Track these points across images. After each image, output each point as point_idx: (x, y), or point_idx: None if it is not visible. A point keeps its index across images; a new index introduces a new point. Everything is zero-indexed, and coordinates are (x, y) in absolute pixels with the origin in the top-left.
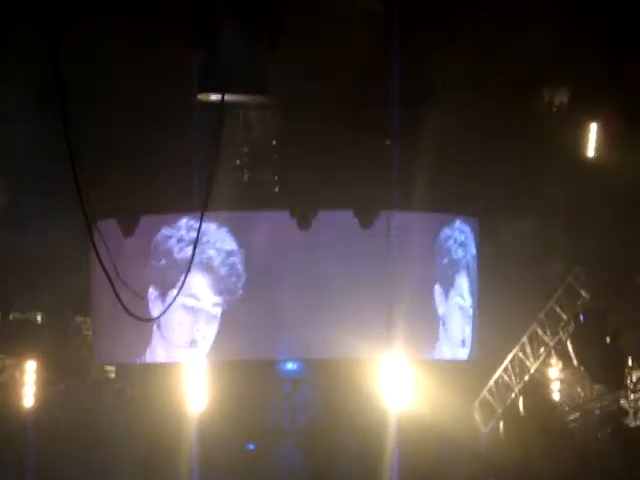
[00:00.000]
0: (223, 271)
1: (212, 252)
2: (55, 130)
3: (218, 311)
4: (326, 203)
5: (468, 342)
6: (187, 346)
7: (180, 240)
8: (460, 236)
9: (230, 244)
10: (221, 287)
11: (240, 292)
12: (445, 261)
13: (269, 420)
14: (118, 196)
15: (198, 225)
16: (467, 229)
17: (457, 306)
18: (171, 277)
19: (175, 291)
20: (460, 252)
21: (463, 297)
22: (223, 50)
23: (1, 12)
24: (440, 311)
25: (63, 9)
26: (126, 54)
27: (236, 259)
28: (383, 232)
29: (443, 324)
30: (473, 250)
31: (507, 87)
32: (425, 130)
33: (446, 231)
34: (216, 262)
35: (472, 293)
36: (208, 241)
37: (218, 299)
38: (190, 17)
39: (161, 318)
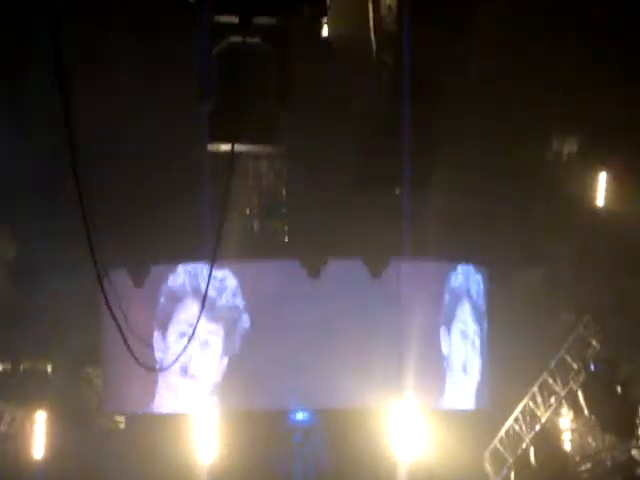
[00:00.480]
0: (224, 311)
1: (214, 293)
2: (66, 180)
3: (212, 339)
4: (336, 252)
5: (471, 371)
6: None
7: (186, 287)
8: (467, 281)
9: (236, 292)
10: (221, 323)
11: (244, 338)
12: (450, 303)
13: (279, 470)
14: (129, 246)
15: (207, 273)
16: (476, 276)
17: (459, 335)
18: (175, 319)
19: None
20: (473, 300)
21: (466, 325)
22: (233, 100)
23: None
24: (445, 351)
25: (77, 61)
26: (138, 104)
27: (239, 302)
28: (393, 280)
29: (450, 367)
30: (483, 298)
31: (517, 137)
32: (435, 179)
33: (454, 277)
34: (218, 302)
35: (478, 332)
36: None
37: (212, 327)
38: (201, 69)
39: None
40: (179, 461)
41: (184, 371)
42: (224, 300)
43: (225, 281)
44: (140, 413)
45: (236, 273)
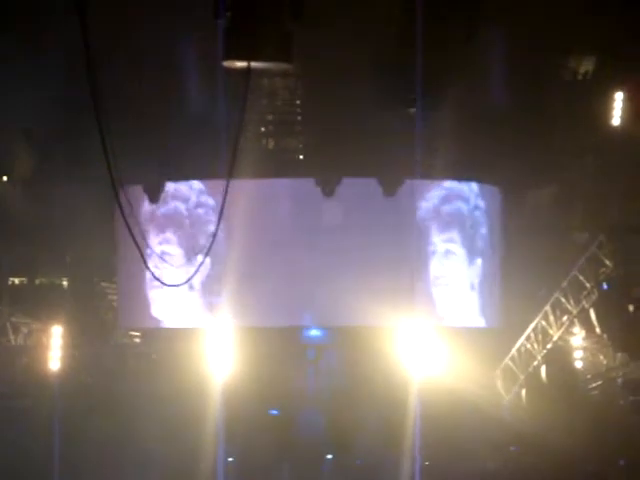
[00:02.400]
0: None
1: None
2: (83, 98)
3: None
4: (350, 170)
5: (484, 290)
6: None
7: (202, 205)
8: (482, 201)
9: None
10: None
11: (259, 255)
12: (463, 223)
13: (292, 385)
14: (144, 163)
15: (223, 191)
16: (490, 195)
17: (472, 254)
18: (195, 240)
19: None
20: (486, 220)
21: (479, 245)
22: (248, 17)
23: None
24: (458, 270)
25: None
26: (155, 19)
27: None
28: (406, 200)
29: (463, 286)
30: (498, 218)
31: (533, 56)
32: (450, 98)
33: (468, 197)
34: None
35: (492, 251)
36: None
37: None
38: None
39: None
40: (193, 376)
41: (200, 287)
42: (239, 217)
43: (239, 199)
44: (155, 328)
45: (250, 191)
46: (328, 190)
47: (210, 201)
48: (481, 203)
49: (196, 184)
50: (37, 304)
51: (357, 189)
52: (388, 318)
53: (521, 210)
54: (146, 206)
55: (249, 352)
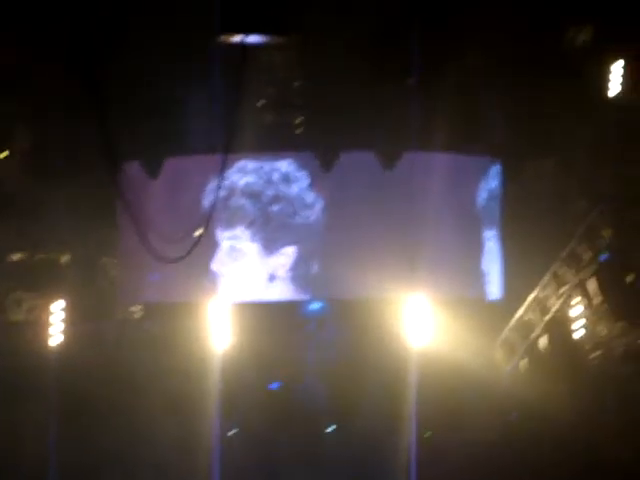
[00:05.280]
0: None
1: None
2: (81, 75)
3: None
4: (350, 144)
5: (484, 261)
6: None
7: (204, 180)
8: (481, 172)
9: (250, 184)
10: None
11: (258, 229)
12: (462, 194)
13: (293, 357)
14: (143, 138)
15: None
16: (490, 167)
17: (471, 224)
18: (196, 217)
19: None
20: (485, 192)
21: (478, 215)
22: None
23: None
24: (458, 242)
25: None
26: None
27: (251, 208)
28: (405, 173)
29: (462, 257)
30: (496, 190)
31: (530, 27)
32: (447, 70)
33: (468, 169)
34: (232, 196)
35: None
36: (231, 180)
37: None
38: None
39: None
40: (194, 350)
41: (201, 262)
42: (238, 192)
43: (239, 172)
44: (155, 302)
45: (250, 165)
46: (327, 164)
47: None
48: (482, 176)
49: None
50: (37, 279)
51: (356, 162)
52: (388, 291)
53: (520, 181)
54: (146, 181)
55: (249, 325)
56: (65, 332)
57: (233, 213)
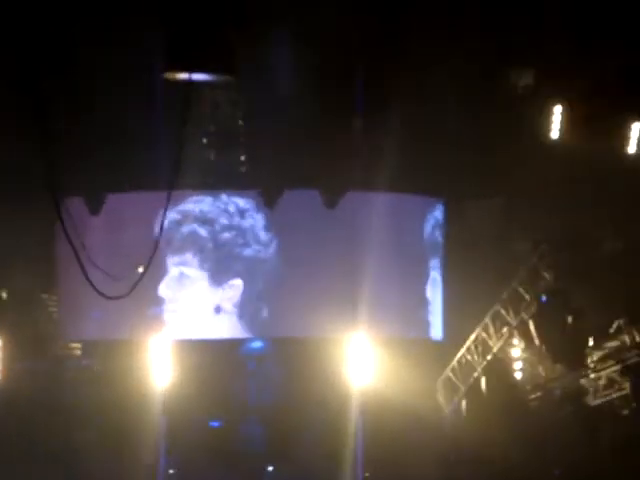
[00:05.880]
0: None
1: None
2: (24, 109)
3: (172, 270)
4: (293, 183)
5: (425, 302)
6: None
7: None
8: (423, 213)
9: (196, 223)
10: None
11: (205, 270)
12: (405, 234)
13: (233, 397)
14: (85, 174)
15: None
16: (433, 208)
17: (412, 265)
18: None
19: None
20: (428, 232)
21: (420, 256)
22: (191, 29)
23: None
24: (399, 282)
25: None
26: (95, 31)
27: (204, 234)
28: (348, 212)
29: (403, 297)
30: (439, 230)
31: (473, 69)
32: (391, 111)
33: (410, 208)
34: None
35: (433, 263)
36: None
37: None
38: None
39: None
40: (134, 387)
41: (143, 299)
42: (191, 218)
43: (185, 211)
44: (96, 339)
45: (194, 203)
46: (269, 202)
47: None
48: (424, 216)
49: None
50: None
51: (299, 200)
52: (330, 330)
53: (462, 221)
54: (88, 217)
55: (190, 363)
56: (4, 370)
57: (184, 238)
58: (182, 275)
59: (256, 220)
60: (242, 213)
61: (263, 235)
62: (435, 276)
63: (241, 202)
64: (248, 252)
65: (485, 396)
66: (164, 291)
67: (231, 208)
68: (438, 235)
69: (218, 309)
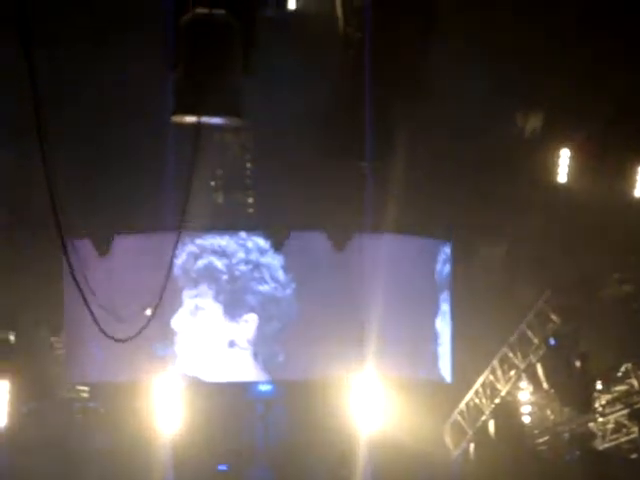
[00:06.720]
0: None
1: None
2: (30, 151)
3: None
4: (300, 225)
5: (433, 344)
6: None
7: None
8: (432, 256)
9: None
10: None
11: (220, 302)
12: (413, 277)
13: (241, 441)
14: (93, 216)
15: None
16: (440, 251)
17: (421, 307)
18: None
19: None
20: (438, 268)
21: (428, 299)
22: (199, 72)
23: None
24: (408, 323)
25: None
26: (102, 72)
27: (220, 266)
28: (355, 254)
29: (411, 339)
30: (447, 272)
31: (481, 113)
32: (398, 155)
33: (418, 251)
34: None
35: (440, 305)
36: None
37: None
38: (167, 37)
39: None
40: (142, 431)
41: (151, 341)
42: (208, 251)
43: (202, 246)
44: (104, 382)
45: (212, 238)
46: (277, 244)
47: None
48: (433, 259)
49: None
50: None
51: (306, 242)
52: (337, 372)
53: (470, 267)
54: (96, 258)
55: (198, 407)
56: (11, 413)
57: (200, 271)
58: (197, 307)
59: (275, 259)
60: (262, 251)
61: (281, 275)
62: (443, 318)
63: (261, 242)
64: (264, 288)
65: (493, 440)
66: (177, 324)
67: (250, 244)
68: (446, 278)
69: (232, 344)
